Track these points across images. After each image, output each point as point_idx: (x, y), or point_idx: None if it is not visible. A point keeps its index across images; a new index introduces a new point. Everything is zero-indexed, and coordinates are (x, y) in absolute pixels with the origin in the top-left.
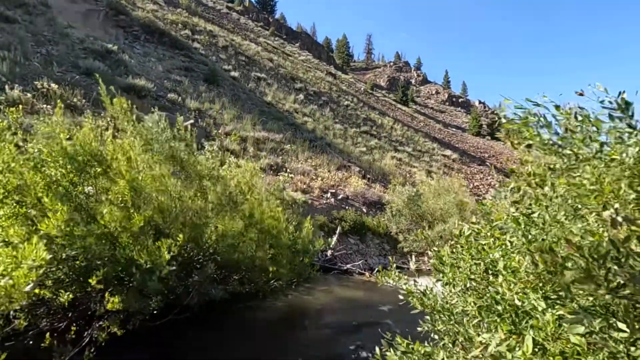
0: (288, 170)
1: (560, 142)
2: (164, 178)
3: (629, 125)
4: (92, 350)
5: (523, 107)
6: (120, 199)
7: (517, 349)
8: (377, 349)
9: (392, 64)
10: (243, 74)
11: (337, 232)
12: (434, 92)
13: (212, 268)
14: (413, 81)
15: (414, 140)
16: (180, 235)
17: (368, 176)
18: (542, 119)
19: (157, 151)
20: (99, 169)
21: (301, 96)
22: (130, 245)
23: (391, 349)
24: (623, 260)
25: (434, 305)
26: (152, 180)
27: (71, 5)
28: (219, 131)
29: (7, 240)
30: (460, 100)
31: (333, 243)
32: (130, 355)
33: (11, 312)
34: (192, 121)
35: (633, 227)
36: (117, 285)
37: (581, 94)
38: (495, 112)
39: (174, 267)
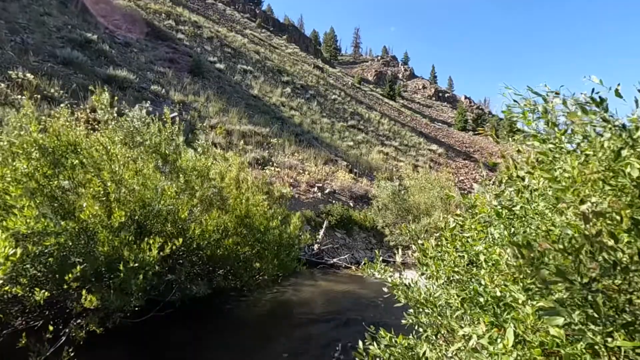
0: (275, 164)
1: (545, 136)
2: (147, 172)
3: (604, 119)
4: (70, 349)
5: (522, 95)
6: (100, 192)
7: (498, 341)
8: (360, 343)
9: (379, 58)
10: (229, 66)
11: (324, 226)
12: (420, 86)
13: (196, 263)
14: (400, 75)
15: (401, 135)
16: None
17: (355, 170)
18: (538, 107)
19: (139, 144)
20: (75, 161)
21: (288, 89)
22: (110, 242)
23: (374, 343)
24: (597, 254)
25: (417, 298)
26: (134, 174)
27: None
28: (204, 124)
29: None
30: (446, 95)
31: (320, 237)
32: (109, 353)
33: None
34: (176, 114)
35: (606, 222)
36: (95, 283)
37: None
38: (480, 107)
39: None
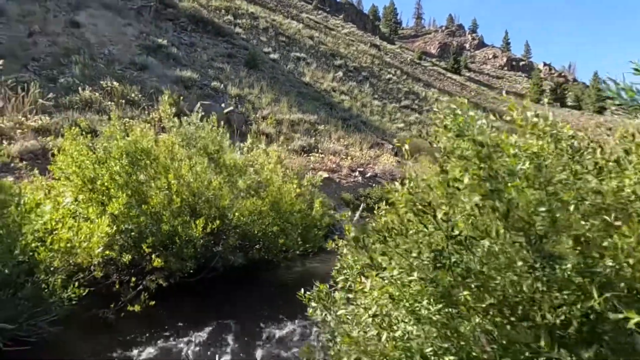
0: (320, 150)
1: None
2: (198, 168)
3: None
4: (146, 295)
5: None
6: (165, 186)
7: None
8: (302, 290)
9: (444, 28)
10: (283, 55)
11: (361, 207)
12: (490, 56)
13: (235, 239)
14: (467, 45)
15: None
16: (218, 221)
17: (401, 153)
18: None
19: (193, 146)
20: (147, 161)
21: (340, 73)
22: (171, 222)
23: (314, 294)
24: None
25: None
26: (189, 170)
27: (126, 4)
28: (257, 115)
29: (86, 216)
30: (521, 63)
31: (356, 218)
32: (171, 300)
33: (91, 267)
34: (232, 108)
35: None
36: (161, 251)
37: None
38: (563, 74)
39: (204, 238)
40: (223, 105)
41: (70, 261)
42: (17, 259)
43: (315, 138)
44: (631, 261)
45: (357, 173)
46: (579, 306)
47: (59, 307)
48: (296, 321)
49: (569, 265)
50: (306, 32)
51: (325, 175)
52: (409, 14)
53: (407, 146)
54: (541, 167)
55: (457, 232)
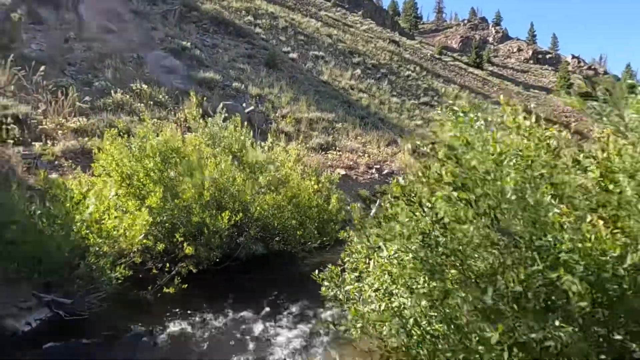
0: (337, 148)
1: None
2: (223, 165)
3: None
4: (178, 279)
5: None
6: (197, 182)
7: None
8: (316, 271)
9: (466, 22)
10: (301, 54)
11: (377, 203)
12: (515, 49)
13: (256, 231)
14: (490, 39)
15: (482, 108)
16: (240, 214)
17: (418, 151)
18: None
19: (218, 145)
20: (177, 159)
21: (358, 71)
22: (200, 214)
23: (326, 274)
24: None
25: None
26: (215, 167)
27: (153, 9)
28: (277, 114)
29: (126, 209)
30: (547, 56)
31: (373, 213)
32: (201, 284)
33: (131, 253)
34: (252, 107)
35: None
36: (191, 240)
37: None
38: (593, 66)
39: (229, 230)
40: (244, 104)
41: (115, 247)
42: (72, 244)
43: (333, 136)
44: (566, 236)
45: (373, 170)
46: (535, 278)
47: (107, 286)
48: (311, 303)
49: (522, 240)
50: (325, 30)
51: (343, 172)
52: (429, 8)
53: (409, 145)
54: (503, 163)
55: (439, 217)
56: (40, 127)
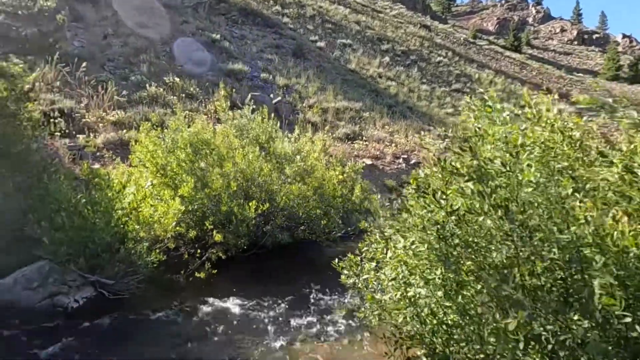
0: (364, 137)
1: None
2: (250, 156)
3: None
4: (208, 264)
5: None
6: (228, 171)
7: None
8: (336, 260)
9: (503, 2)
10: (329, 42)
11: (404, 193)
12: (558, 30)
13: (282, 220)
14: (530, 20)
15: (518, 95)
16: (267, 204)
17: (448, 140)
18: None
19: (246, 136)
20: (207, 151)
21: (387, 58)
22: (228, 203)
23: (346, 263)
24: None
25: None
26: (243, 157)
27: (184, 2)
28: (303, 104)
29: (160, 197)
30: (594, 37)
31: (396, 204)
32: (229, 270)
33: (165, 239)
34: (280, 98)
35: None
36: (220, 228)
37: None
38: None
39: (256, 218)
40: (272, 95)
41: (150, 233)
42: (113, 230)
43: (360, 125)
44: (587, 230)
45: (401, 160)
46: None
47: (144, 269)
48: (334, 290)
49: (537, 234)
50: (353, 17)
51: (369, 162)
52: None
53: (429, 138)
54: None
55: (454, 209)
56: (83, 120)
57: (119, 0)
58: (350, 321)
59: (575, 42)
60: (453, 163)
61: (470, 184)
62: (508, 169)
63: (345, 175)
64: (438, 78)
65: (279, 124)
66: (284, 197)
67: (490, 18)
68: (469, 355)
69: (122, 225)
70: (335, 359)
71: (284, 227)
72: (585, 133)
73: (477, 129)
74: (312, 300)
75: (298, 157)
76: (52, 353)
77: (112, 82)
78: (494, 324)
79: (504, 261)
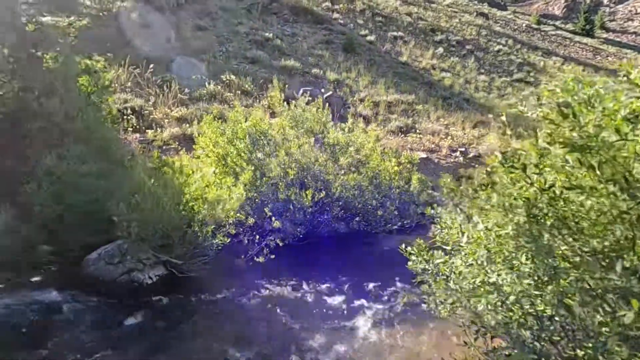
0: (418, 130)
1: None
2: (305, 147)
3: None
4: (267, 250)
5: None
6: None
7: None
8: (402, 245)
9: None
10: (379, 36)
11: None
12: (638, 10)
13: (337, 210)
14: (605, 0)
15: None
16: (323, 193)
17: (509, 133)
18: None
19: (301, 127)
20: (264, 141)
21: (441, 49)
22: (285, 191)
23: (414, 248)
24: None
25: None
26: (298, 147)
27: (238, 4)
28: (354, 98)
29: (222, 184)
30: None
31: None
32: (286, 257)
33: (227, 225)
34: (330, 92)
35: None
36: (277, 216)
37: None
38: None
39: (312, 207)
40: (322, 90)
41: (215, 217)
42: (181, 213)
43: (413, 118)
44: None
45: (457, 153)
46: None
47: (210, 251)
48: (392, 280)
49: None
50: (403, 8)
51: (423, 155)
52: None
53: (504, 117)
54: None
55: (549, 185)
56: (152, 116)
57: (183, 6)
58: (414, 310)
59: None
60: (549, 132)
61: (574, 155)
62: (625, 137)
63: (401, 166)
64: (497, 68)
65: (330, 118)
66: (339, 187)
67: (557, 1)
68: (566, 350)
69: (189, 209)
70: (404, 348)
71: (339, 217)
72: None
73: (583, 94)
74: (371, 289)
75: (351, 148)
76: (133, 324)
77: (175, 81)
78: (600, 318)
79: (613, 245)
